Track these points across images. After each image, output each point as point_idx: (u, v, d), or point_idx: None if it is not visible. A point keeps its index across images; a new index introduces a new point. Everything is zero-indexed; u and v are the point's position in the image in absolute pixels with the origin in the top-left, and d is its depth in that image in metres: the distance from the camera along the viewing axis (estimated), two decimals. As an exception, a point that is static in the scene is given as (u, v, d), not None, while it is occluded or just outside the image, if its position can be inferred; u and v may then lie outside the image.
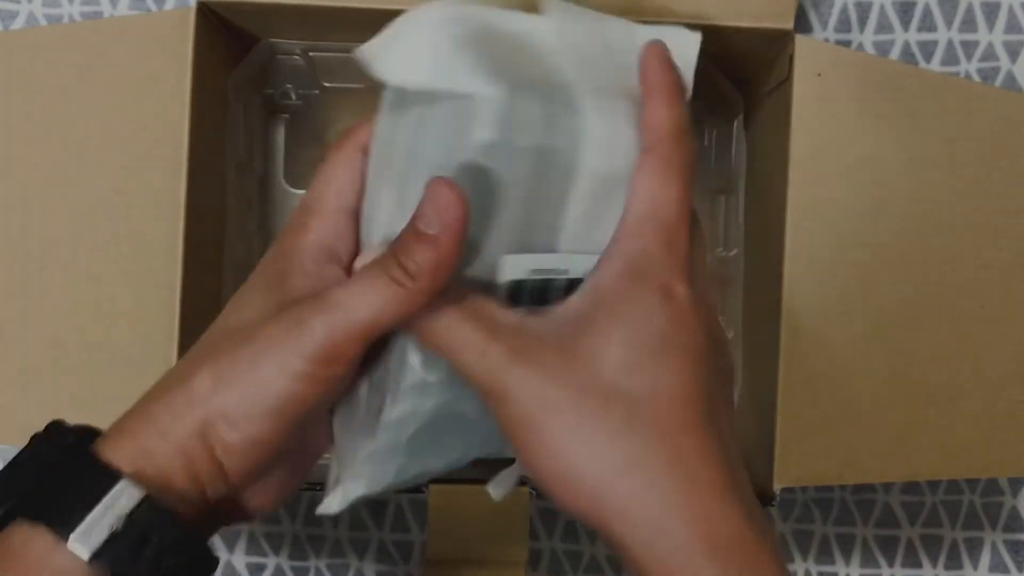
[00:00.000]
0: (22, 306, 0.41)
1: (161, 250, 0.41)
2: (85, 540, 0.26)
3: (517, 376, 0.28)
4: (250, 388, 0.29)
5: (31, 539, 0.27)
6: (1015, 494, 0.55)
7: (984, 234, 0.43)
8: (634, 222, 0.30)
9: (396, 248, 0.29)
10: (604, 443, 0.28)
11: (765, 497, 0.42)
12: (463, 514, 0.44)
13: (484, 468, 0.35)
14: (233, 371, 0.29)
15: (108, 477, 0.27)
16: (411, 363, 0.30)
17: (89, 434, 0.29)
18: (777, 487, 0.42)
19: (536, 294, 0.31)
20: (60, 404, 0.41)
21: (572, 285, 0.31)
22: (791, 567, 0.55)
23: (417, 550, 0.55)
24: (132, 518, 0.27)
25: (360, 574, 0.54)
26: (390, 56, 0.29)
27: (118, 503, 0.27)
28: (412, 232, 0.28)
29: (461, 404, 0.31)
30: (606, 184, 0.30)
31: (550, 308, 0.30)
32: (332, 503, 0.32)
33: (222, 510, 0.31)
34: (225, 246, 0.47)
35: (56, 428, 0.30)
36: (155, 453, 0.28)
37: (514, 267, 0.30)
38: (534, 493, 0.44)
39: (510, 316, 0.30)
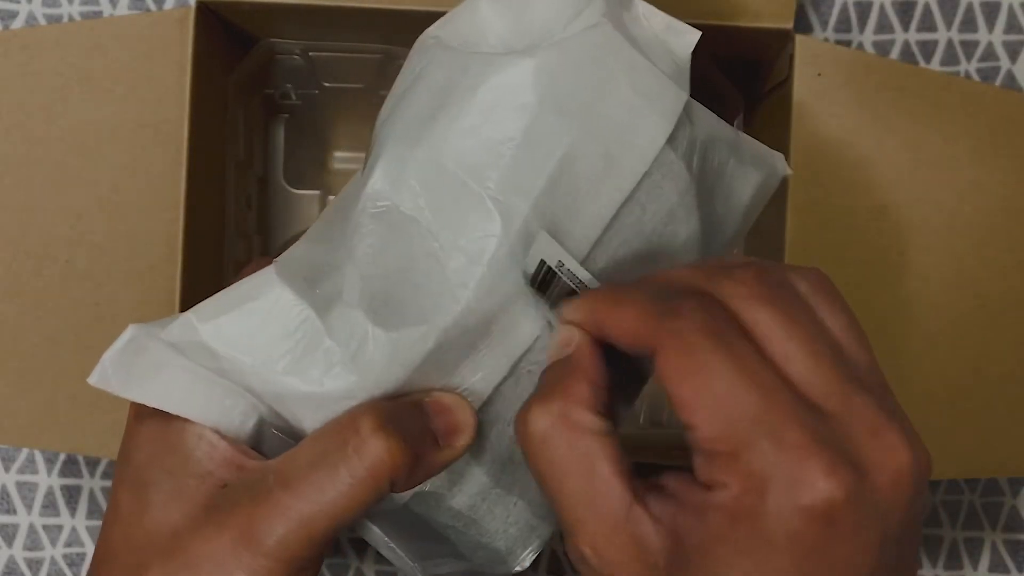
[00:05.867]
0: (22, 306, 0.41)
1: (161, 250, 0.41)
2: None
3: None
4: None
5: None
6: (1015, 494, 0.55)
7: (984, 234, 0.43)
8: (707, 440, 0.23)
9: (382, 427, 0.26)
10: None
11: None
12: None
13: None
14: None
15: None
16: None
17: None
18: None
19: (556, 298, 0.29)
20: (60, 404, 0.41)
21: None
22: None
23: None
24: None
25: (360, 574, 0.54)
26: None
27: None
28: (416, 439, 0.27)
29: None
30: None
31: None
32: None
33: None
34: (225, 246, 0.47)
35: None
36: None
37: (547, 249, 0.28)
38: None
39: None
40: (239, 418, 0.28)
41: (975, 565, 0.55)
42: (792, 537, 0.22)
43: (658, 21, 0.31)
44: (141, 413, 0.28)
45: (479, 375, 0.29)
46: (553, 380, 0.26)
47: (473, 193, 0.27)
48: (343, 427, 0.26)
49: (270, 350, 0.28)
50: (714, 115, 0.31)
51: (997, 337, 0.43)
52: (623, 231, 0.29)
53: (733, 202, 0.31)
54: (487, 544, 0.31)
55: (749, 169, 0.31)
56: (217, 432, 0.28)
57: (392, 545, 0.31)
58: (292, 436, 0.29)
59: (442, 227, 0.28)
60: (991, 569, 0.55)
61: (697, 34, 0.31)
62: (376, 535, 0.31)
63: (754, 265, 0.25)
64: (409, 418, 0.27)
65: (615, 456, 0.24)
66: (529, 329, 0.28)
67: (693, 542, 0.23)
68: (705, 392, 0.23)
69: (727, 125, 0.31)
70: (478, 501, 0.30)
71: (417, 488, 0.29)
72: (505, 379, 0.29)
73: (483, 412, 0.29)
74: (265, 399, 0.28)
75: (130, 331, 0.28)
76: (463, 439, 0.28)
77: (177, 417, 0.27)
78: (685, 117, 0.29)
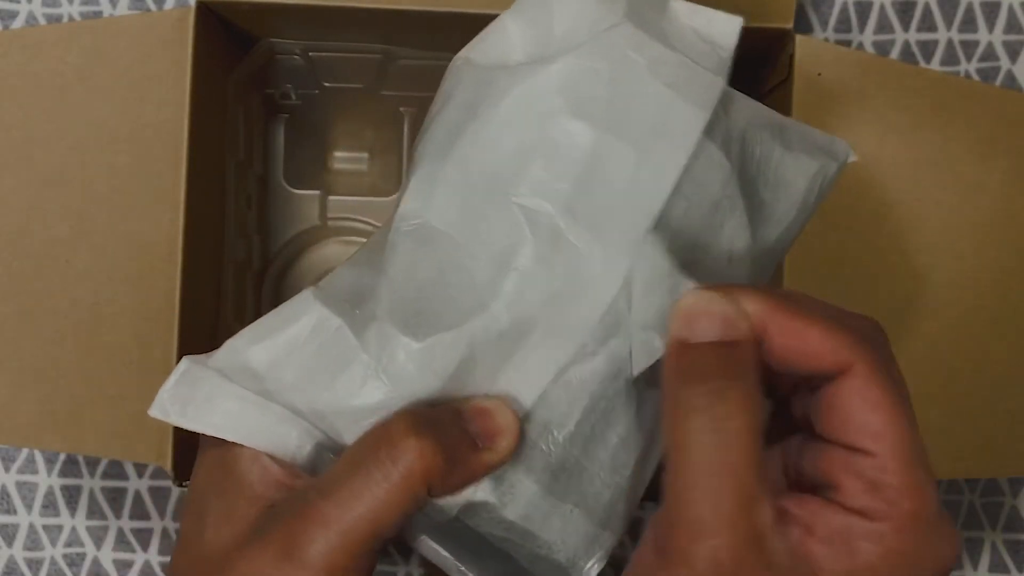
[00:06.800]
0: (22, 306, 0.41)
1: (161, 250, 0.41)
2: None
3: None
4: None
5: None
6: (1015, 494, 0.55)
7: (984, 234, 0.43)
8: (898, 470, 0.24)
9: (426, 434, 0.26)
10: None
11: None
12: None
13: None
14: None
15: None
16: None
17: None
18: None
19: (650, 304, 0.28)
20: (60, 404, 0.41)
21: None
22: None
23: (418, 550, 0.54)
24: None
25: (360, 574, 0.54)
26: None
27: None
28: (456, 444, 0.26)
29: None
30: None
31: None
32: None
33: None
34: (225, 246, 0.47)
35: None
36: None
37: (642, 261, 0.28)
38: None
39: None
40: (295, 443, 0.28)
41: (975, 565, 0.55)
42: None
43: (699, 19, 0.31)
44: (205, 440, 0.29)
45: (523, 383, 0.29)
46: (725, 359, 0.24)
47: (501, 202, 0.28)
48: (376, 434, 0.26)
49: (308, 368, 0.28)
50: (756, 102, 0.30)
51: (997, 337, 0.43)
52: (672, 224, 0.28)
53: (784, 190, 0.31)
54: (546, 556, 0.30)
55: (800, 156, 0.31)
56: (271, 457, 0.28)
57: (462, 569, 0.31)
58: None
59: (471, 239, 0.28)
60: (991, 569, 0.55)
61: (738, 20, 0.31)
62: (446, 559, 0.31)
63: (882, 331, 0.26)
64: (444, 422, 0.27)
65: (765, 463, 0.24)
66: (572, 336, 0.28)
67: (833, 569, 0.23)
68: (897, 424, 0.24)
69: (771, 111, 0.31)
70: (531, 511, 0.29)
71: (466, 499, 0.29)
72: (551, 386, 0.29)
73: (529, 420, 0.29)
74: (307, 417, 0.28)
75: (184, 364, 0.29)
76: (504, 441, 0.28)
77: (235, 443, 0.28)
78: (720, 106, 0.29)
